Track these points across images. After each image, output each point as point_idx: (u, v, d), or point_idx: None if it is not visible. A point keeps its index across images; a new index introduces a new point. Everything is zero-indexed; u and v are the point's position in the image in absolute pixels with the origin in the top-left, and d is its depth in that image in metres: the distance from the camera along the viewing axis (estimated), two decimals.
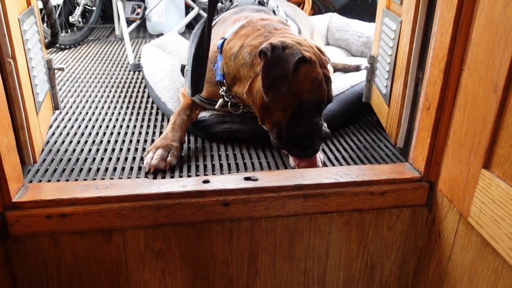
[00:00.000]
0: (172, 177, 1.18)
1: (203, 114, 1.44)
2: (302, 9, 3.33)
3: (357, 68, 2.02)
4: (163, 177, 1.17)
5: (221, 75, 1.31)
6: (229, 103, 1.33)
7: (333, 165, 1.32)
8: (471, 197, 0.84)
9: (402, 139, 1.15)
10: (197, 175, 1.16)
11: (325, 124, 1.19)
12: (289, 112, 1.14)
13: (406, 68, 1.09)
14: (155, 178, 1.18)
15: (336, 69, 2.07)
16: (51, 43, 1.34)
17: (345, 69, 2.05)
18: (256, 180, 1.00)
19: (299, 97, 1.13)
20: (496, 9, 0.75)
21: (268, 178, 1.01)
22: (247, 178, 1.01)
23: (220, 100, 1.35)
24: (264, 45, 1.11)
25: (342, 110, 1.50)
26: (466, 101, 0.85)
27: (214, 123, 1.40)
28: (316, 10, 3.31)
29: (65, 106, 1.73)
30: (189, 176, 1.16)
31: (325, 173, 1.04)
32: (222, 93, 1.32)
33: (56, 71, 1.32)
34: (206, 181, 0.99)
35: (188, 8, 3.13)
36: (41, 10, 1.46)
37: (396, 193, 1.03)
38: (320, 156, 1.24)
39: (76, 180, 1.20)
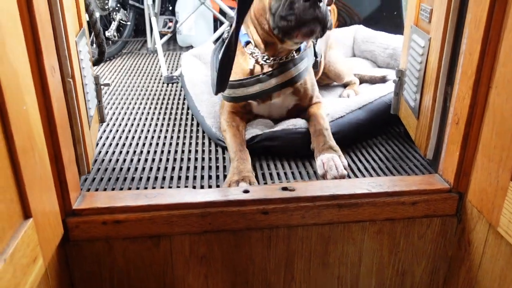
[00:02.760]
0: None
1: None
2: None
3: (383, 79, 2.07)
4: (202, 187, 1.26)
5: (244, 34, 1.47)
6: (262, 62, 1.45)
7: (363, 175, 1.38)
8: (500, 208, 0.88)
9: (431, 151, 1.19)
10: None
11: None
12: None
13: (435, 83, 1.14)
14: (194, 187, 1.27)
15: (363, 80, 2.12)
16: (98, 61, 1.44)
17: (372, 80, 2.11)
18: (293, 190, 1.07)
19: None
20: None
21: (304, 189, 1.08)
22: (284, 188, 1.08)
23: (252, 60, 1.46)
24: None
25: (370, 119, 1.57)
26: (494, 118, 0.90)
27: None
28: (342, 21, 3.36)
29: (106, 118, 1.84)
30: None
31: (358, 183, 1.10)
32: (250, 50, 1.46)
33: (102, 86, 1.42)
34: (246, 191, 1.06)
35: (216, 21, 3.23)
36: None
37: (426, 203, 1.08)
38: (343, 161, 1.30)
39: (121, 188, 1.30)
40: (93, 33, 1.45)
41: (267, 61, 1.45)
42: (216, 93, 1.28)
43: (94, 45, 2.42)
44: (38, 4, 0.83)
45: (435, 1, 1.17)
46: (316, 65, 1.67)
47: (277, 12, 1.30)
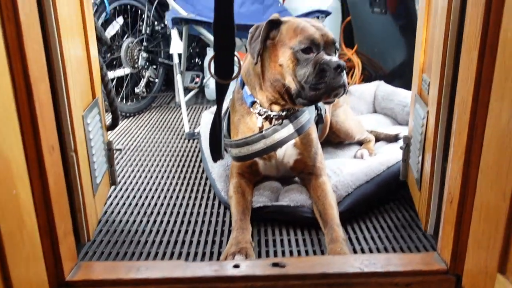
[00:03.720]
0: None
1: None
2: (353, 74, 3.42)
3: (396, 137, 2.05)
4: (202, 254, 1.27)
5: (250, 95, 1.52)
6: (271, 118, 1.50)
7: (367, 243, 1.36)
8: None
9: (431, 227, 1.16)
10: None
11: (334, 57, 1.35)
12: (288, 61, 1.37)
13: (431, 158, 1.13)
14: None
15: (378, 138, 2.11)
16: (112, 126, 1.52)
17: (387, 139, 2.09)
18: (283, 266, 1.06)
19: (290, 45, 1.37)
20: (502, 121, 0.79)
21: (295, 265, 1.06)
22: (275, 264, 1.07)
23: (260, 118, 1.50)
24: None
25: (377, 192, 1.55)
26: (481, 203, 0.88)
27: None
28: (367, 74, 3.39)
29: (124, 176, 1.91)
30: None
31: (351, 261, 1.08)
32: (257, 109, 1.50)
33: (115, 151, 1.49)
34: (236, 266, 1.07)
35: None
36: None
37: (421, 285, 1.04)
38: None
39: (126, 252, 1.33)
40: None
41: (275, 116, 1.49)
42: (214, 161, 1.32)
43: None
44: (38, 91, 0.90)
45: (432, 74, 1.18)
46: (321, 120, 1.68)
47: (303, 79, 1.35)
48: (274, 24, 1.42)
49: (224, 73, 1.04)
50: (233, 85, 1.55)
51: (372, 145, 2.03)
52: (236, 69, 1.12)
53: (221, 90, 1.11)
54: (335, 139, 2.00)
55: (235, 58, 1.04)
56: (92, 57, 1.32)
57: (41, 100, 0.91)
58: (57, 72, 1.01)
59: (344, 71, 1.34)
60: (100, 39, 1.47)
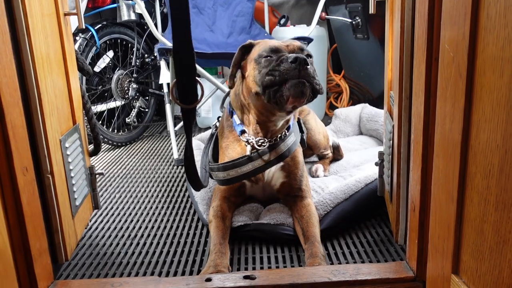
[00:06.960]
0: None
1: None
2: (341, 99, 3.49)
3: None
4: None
5: (239, 125, 1.56)
6: (259, 145, 1.51)
7: (345, 258, 1.37)
8: None
9: (402, 236, 1.19)
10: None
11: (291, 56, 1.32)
12: (252, 70, 1.42)
13: (397, 169, 1.17)
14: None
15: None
16: (94, 152, 1.57)
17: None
18: (254, 278, 1.08)
19: (254, 57, 1.43)
20: (446, 127, 0.83)
21: (265, 277, 1.09)
22: (246, 277, 1.09)
23: (249, 146, 1.52)
24: None
25: (357, 209, 1.57)
26: (435, 208, 0.91)
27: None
28: (356, 99, 3.45)
29: (110, 201, 1.94)
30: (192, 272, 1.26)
31: (320, 271, 1.10)
32: (246, 137, 1.53)
33: (97, 175, 1.53)
34: (208, 279, 1.09)
35: None
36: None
37: None
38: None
39: (107, 273, 1.35)
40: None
41: (263, 144, 1.51)
42: (196, 190, 1.35)
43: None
44: (11, 114, 0.95)
45: (393, 89, 1.23)
46: (303, 143, 1.72)
47: (265, 73, 1.37)
48: (247, 48, 1.49)
49: (188, 98, 1.06)
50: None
51: (329, 162, 2.06)
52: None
53: (187, 117, 1.12)
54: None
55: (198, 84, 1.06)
56: (72, 86, 1.38)
57: (14, 123, 0.96)
58: (32, 99, 1.06)
59: (307, 67, 1.32)
60: (82, 70, 1.54)
